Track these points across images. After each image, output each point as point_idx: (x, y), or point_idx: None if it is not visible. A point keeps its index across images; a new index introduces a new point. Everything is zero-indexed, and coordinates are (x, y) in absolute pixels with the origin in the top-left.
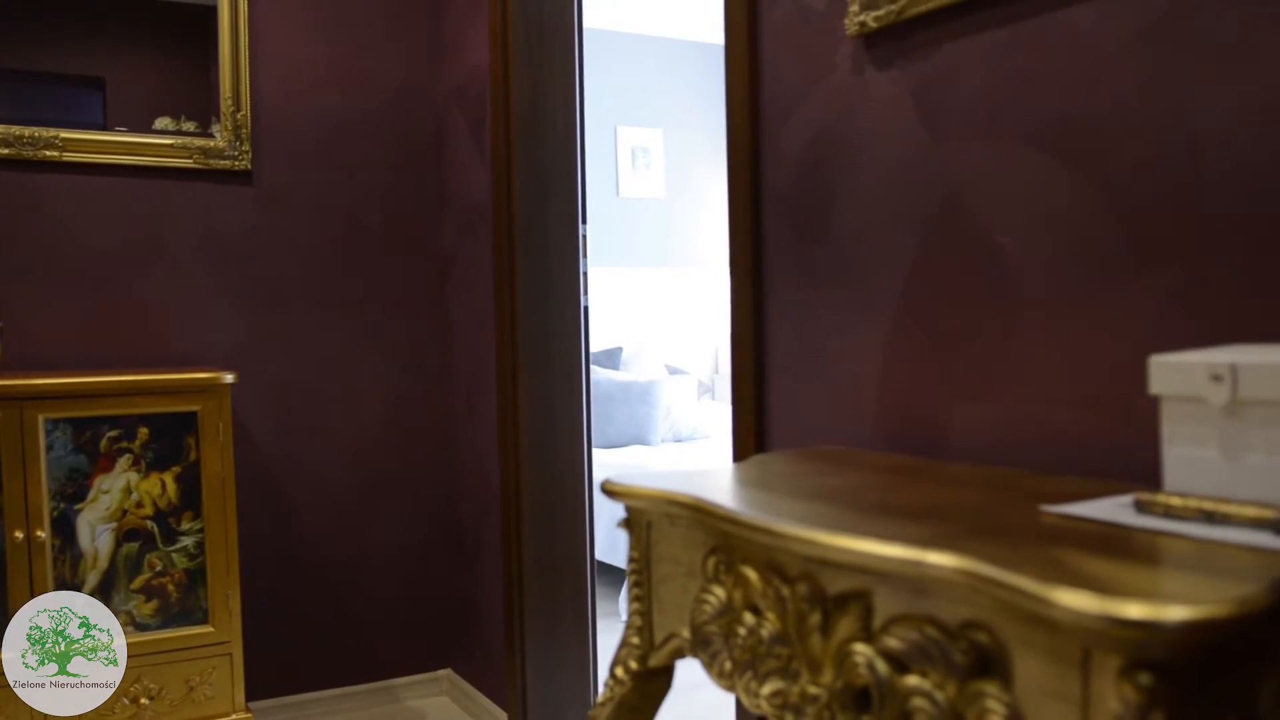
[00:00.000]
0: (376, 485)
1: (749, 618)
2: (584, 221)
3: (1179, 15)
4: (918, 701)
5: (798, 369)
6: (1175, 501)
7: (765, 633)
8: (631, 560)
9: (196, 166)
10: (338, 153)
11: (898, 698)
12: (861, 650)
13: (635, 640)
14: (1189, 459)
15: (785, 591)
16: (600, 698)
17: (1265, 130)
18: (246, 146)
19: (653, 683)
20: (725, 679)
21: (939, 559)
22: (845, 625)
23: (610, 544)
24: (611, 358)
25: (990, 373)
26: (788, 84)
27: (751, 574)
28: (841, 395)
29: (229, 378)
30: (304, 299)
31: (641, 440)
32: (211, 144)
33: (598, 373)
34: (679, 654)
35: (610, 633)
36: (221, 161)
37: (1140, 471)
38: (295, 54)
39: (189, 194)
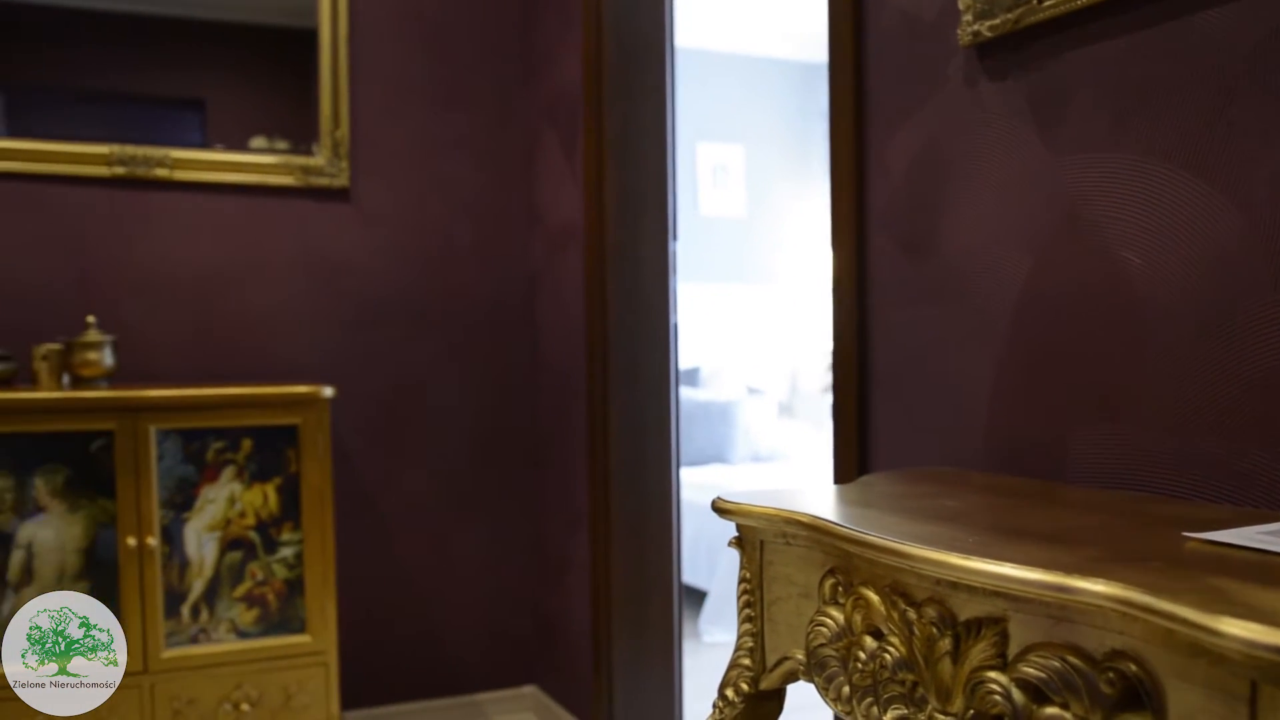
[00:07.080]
0: (464, 500)
1: (869, 642)
2: (674, 238)
3: None
4: None
5: (902, 388)
6: None
7: (889, 658)
8: (743, 580)
9: (296, 184)
10: (432, 170)
11: None
12: (996, 678)
13: (746, 662)
14: None
15: (912, 615)
16: (708, 719)
17: None
18: (345, 164)
19: (763, 705)
20: (843, 704)
21: (1089, 585)
22: (978, 652)
23: (690, 564)
24: (691, 376)
25: (1112, 394)
26: (894, 96)
27: (873, 596)
28: (948, 416)
29: (328, 391)
30: (397, 314)
31: (721, 459)
32: (311, 162)
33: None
34: (792, 677)
35: (692, 654)
36: (320, 179)
37: (1275, 497)
38: (392, 73)
39: (289, 211)
